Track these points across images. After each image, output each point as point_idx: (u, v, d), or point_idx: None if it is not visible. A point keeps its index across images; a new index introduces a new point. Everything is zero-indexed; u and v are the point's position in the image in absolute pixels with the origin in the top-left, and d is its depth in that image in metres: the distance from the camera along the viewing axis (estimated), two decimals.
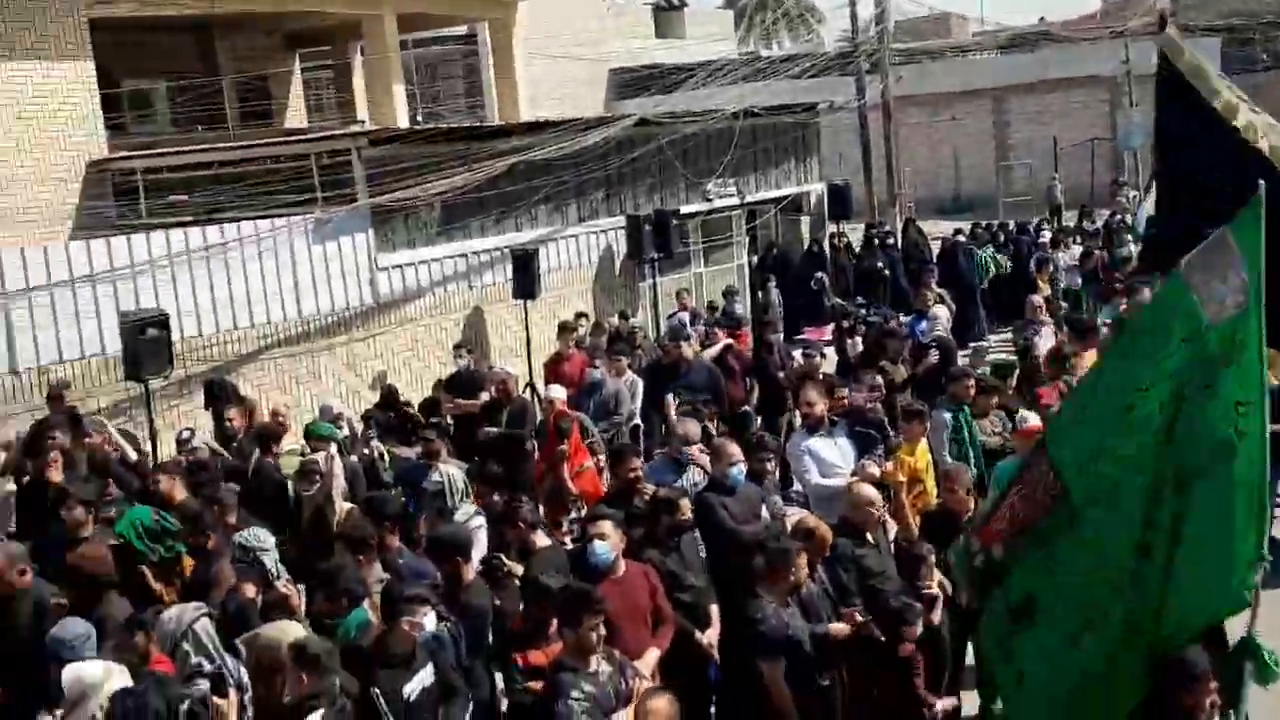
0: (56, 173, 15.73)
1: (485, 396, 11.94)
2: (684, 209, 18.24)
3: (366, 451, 10.81)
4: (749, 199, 19.88)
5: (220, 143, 17.22)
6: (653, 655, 6.07)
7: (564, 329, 13.64)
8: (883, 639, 6.11)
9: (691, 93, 23.56)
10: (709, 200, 18.96)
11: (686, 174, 18.51)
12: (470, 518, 8.27)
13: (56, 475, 8.86)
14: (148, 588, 7.24)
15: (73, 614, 6.39)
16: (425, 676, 5.52)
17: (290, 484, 8.92)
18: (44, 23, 15.55)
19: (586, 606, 5.24)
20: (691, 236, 18.61)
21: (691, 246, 18.65)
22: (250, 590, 6.34)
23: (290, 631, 5.70)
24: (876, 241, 20.84)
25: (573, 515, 8.39)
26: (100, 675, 5.10)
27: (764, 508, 7.61)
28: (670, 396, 11.26)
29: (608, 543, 6.10)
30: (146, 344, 10.70)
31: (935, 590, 6.66)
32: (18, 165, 15.29)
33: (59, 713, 5.11)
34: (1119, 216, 21.87)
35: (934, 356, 11.61)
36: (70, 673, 5.12)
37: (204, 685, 5.33)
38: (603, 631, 5.23)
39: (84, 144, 16.04)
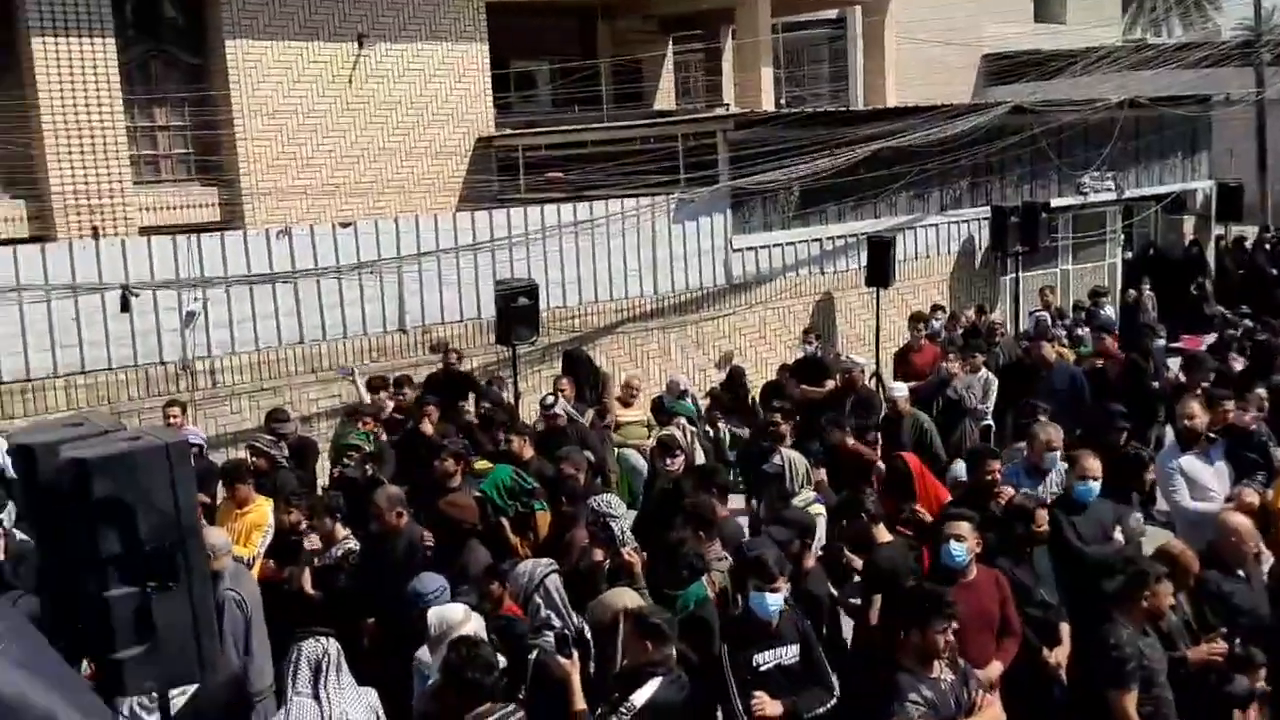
0: (449, 147, 17.00)
1: (830, 384, 11.86)
2: (1054, 202, 17.35)
3: (709, 429, 11.00)
4: (1127, 194, 18.65)
5: (594, 123, 18.01)
6: (995, 668, 5.81)
7: (916, 319, 13.32)
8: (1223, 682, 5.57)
9: (1070, 80, 22.31)
10: (1083, 194, 17.94)
11: (1060, 165, 17.59)
12: (810, 504, 8.21)
13: (429, 428, 9.63)
14: (505, 540, 7.71)
15: (437, 557, 6.90)
16: (787, 653, 5.51)
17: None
18: (446, 5, 16.78)
19: (937, 610, 5.04)
20: (1060, 231, 17.69)
21: (1060, 241, 17.74)
22: (599, 554, 6.59)
23: (632, 599, 5.87)
24: (1269, 246, 19.03)
25: None
26: (461, 616, 5.48)
27: (1117, 528, 7.09)
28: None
29: (964, 545, 5.88)
30: (517, 311, 11.43)
31: None
32: (418, 137, 16.62)
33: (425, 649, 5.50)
34: None
35: None
36: (434, 613, 5.52)
37: (550, 638, 5.60)
38: (951, 638, 5.03)
39: (474, 121, 17.22)
